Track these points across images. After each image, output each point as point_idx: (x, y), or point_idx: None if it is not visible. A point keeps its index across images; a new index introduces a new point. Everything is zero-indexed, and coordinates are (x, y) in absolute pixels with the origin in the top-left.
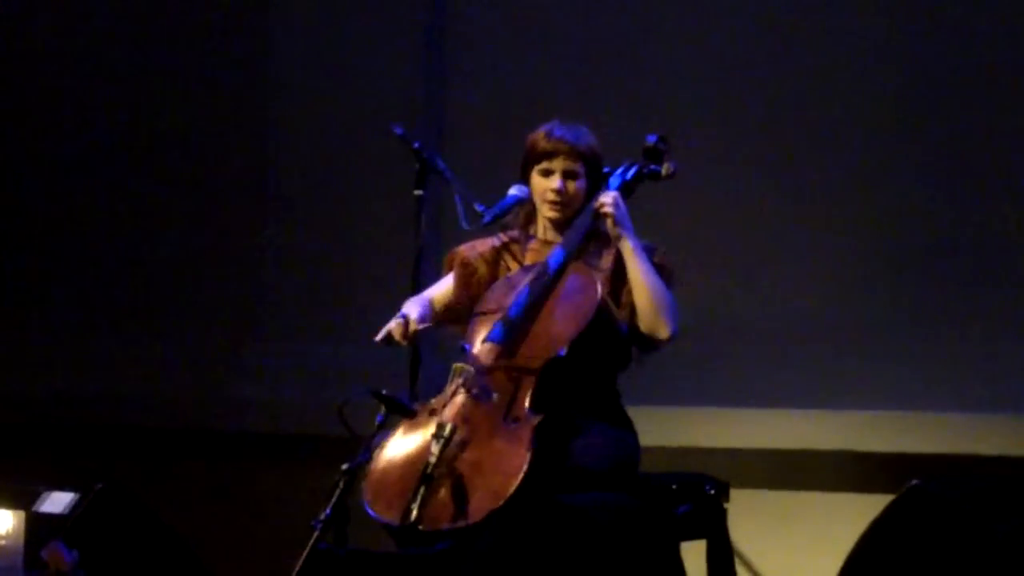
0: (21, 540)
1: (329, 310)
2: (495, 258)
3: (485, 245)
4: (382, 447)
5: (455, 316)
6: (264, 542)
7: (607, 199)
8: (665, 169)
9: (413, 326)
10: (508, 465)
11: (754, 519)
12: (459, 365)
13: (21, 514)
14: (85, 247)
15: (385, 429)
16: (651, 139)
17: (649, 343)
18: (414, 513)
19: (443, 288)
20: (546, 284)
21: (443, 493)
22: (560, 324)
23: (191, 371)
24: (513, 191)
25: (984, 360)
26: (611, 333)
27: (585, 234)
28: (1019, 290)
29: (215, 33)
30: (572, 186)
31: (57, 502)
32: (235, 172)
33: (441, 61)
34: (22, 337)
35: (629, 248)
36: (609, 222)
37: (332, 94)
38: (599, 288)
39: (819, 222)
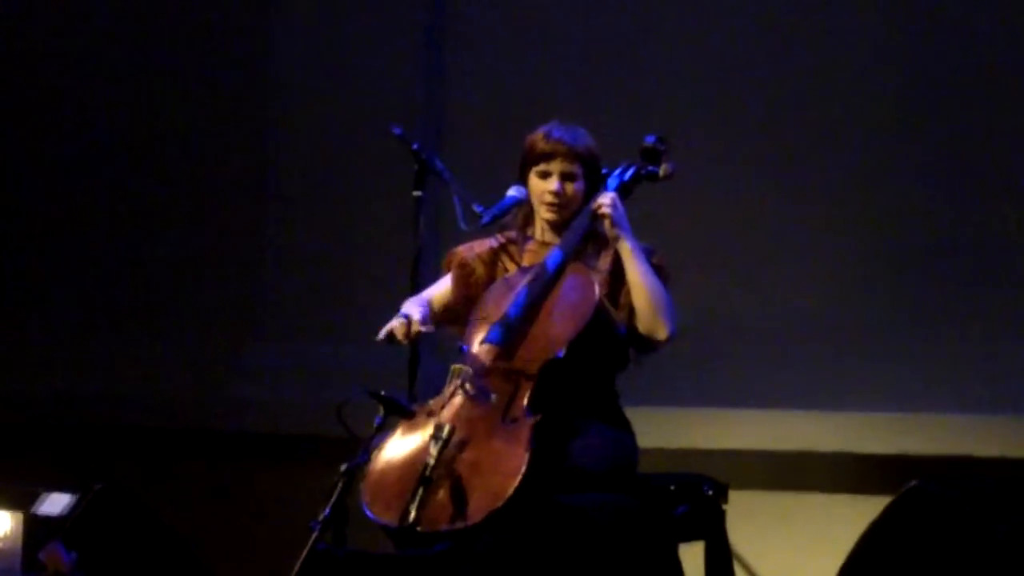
0: (19, 542)
1: (329, 310)
2: (493, 259)
3: (483, 246)
4: (380, 448)
5: (453, 317)
6: (264, 542)
7: (605, 200)
8: (663, 170)
9: (416, 327)
10: (506, 466)
11: (753, 520)
12: (457, 366)
13: (19, 515)
14: (85, 247)
15: (384, 430)
16: (649, 140)
17: (647, 344)
18: (412, 514)
19: (441, 289)
20: (544, 285)
21: (441, 494)
22: (558, 325)
23: (191, 371)
24: (511, 192)
25: (984, 360)
26: (609, 334)
27: (583, 235)
28: (1019, 290)
29: (215, 33)
30: (570, 188)
31: (55, 503)
32: (235, 172)
33: (441, 61)
34: (22, 337)
35: (627, 249)
36: (607, 223)
37: (332, 94)
38: (597, 289)
39: (819, 222)
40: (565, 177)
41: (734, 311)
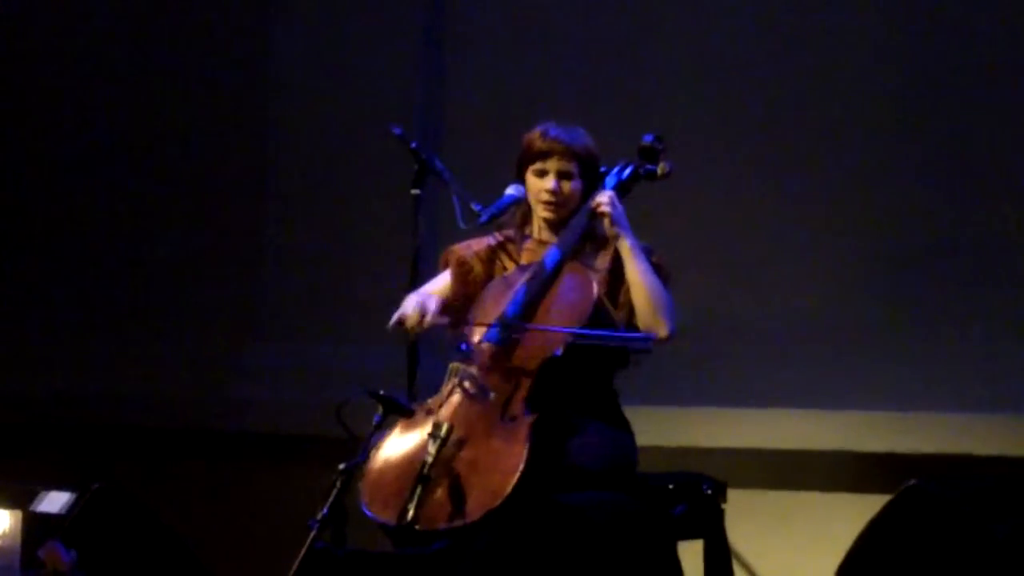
0: (18, 540)
1: (329, 310)
2: (491, 257)
3: (481, 244)
4: (379, 447)
5: (451, 314)
6: (263, 542)
7: (603, 199)
8: (661, 169)
9: (429, 318)
10: (505, 464)
11: (752, 519)
12: (456, 364)
13: (18, 513)
14: (85, 247)
15: (382, 429)
16: (647, 138)
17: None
18: (411, 513)
19: (440, 285)
20: (542, 284)
21: (440, 493)
22: (556, 324)
23: (191, 371)
24: (510, 191)
25: (984, 360)
26: None
27: (581, 234)
28: (1019, 290)
29: (215, 33)
30: (567, 186)
31: (55, 502)
32: (235, 172)
33: (441, 61)
34: (22, 337)
35: (627, 247)
36: (606, 222)
37: (332, 94)
38: (595, 288)
39: (819, 222)
40: (562, 175)
41: (734, 311)
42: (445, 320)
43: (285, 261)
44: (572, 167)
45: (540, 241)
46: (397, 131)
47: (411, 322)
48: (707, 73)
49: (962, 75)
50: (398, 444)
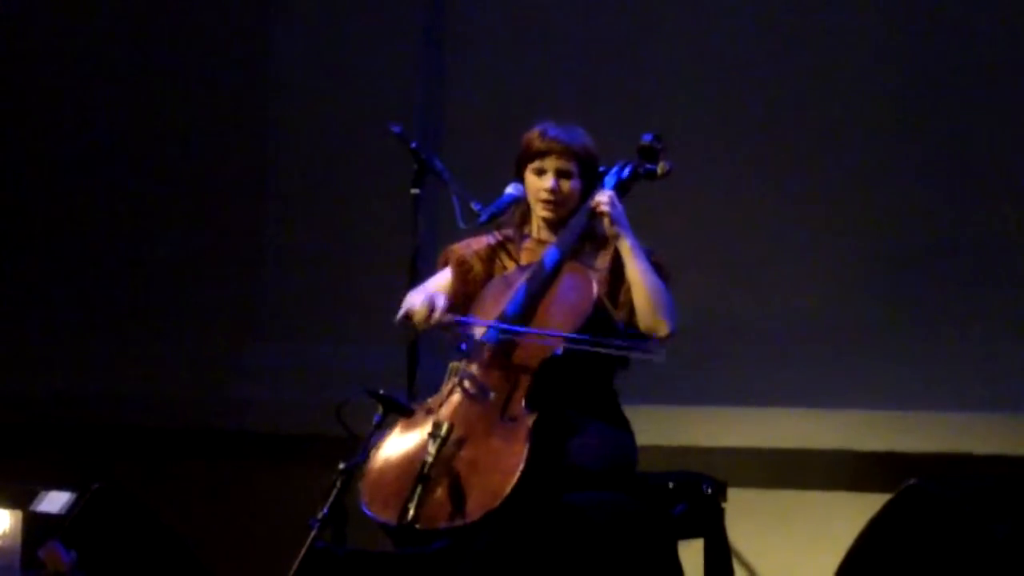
0: (18, 540)
1: (329, 310)
2: (491, 256)
3: (480, 243)
4: (379, 447)
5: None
6: (263, 542)
7: (603, 198)
8: (660, 168)
9: (438, 315)
10: (505, 464)
11: (752, 518)
12: (456, 364)
13: (18, 513)
14: (85, 247)
15: (382, 429)
16: (646, 138)
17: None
18: (411, 512)
19: (440, 283)
20: (542, 283)
21: (440, 492)
22: (556, 323)
23: (191, 371)
24: (509, 190)
25: (984, 360)
26: (608, 332)
27: (580, 234)
28: (1019, 290)
29: (215, 33)
30: (566, 185)
31: (54, 502)
32: (235, 172)
33: (441, 61)
34: (22, 337)
35: (627, 247)
36: (606, 221)
37: (332, 94)
38: (594, 287)
39: (819, 222)
40: (561, 174)
41: (734, 311)
42: (452, 318)
43: (285, 261)
44: (571, 166)
45: (539, 240)
46: (396, 130)
47: (419, 317)
48: (707, 73)
49: (962, 75)
50: (398, 444)
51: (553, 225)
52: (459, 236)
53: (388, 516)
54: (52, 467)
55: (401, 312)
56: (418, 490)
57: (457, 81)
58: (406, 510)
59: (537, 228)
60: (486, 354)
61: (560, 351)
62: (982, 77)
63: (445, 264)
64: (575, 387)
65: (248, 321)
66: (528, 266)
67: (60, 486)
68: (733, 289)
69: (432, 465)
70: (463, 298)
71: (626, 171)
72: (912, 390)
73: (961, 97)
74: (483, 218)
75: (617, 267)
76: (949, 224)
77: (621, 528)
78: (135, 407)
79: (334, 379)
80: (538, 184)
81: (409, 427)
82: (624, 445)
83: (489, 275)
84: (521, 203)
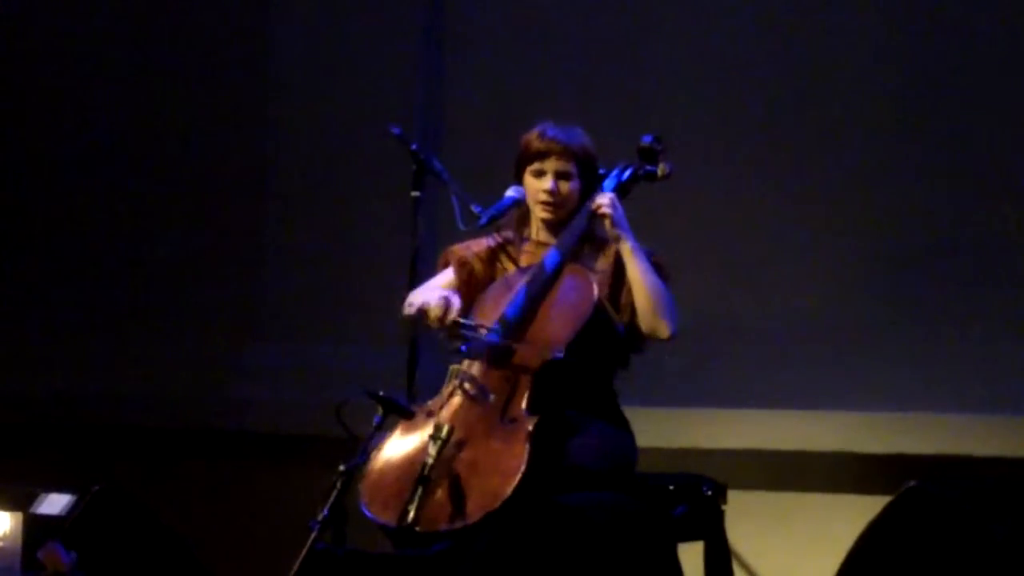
0: (19, 542)
1: (329, 310)
2: (491, 258)
3: (480, 245)
4: (379, 448)
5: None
6: (263, 542)
7: (604, 200)
8: (661, 170)
9: (453, 315)
10: (505, 465)
11: (752, 520)
12: (456, 366)
13: (19, 515)
14: (85, 247)
15: (382, 430)
16: (646, 139)
17: (647, 343)
18: (411, 514)
19: (443, 284)
20: (542, 286)
21: (440, 494)
22: (557, 325)
23: (191, 371)
24: (510, 192)
25: (984, 360)
26: (608, 334)
27: (580, 236)
28: (1019, 290)
29: (215, 33)
30: (565, 187)
31: (55, 503)
32: (235, 172)
33: (441, 61)
34: (22, 337)
35: (628, 249)
36: (607, 223)
37: (332, 94)
38: (595, 289)
39: (819, 222)
40: (560, 176)
41: (734, 311)
42: (463, 320)
43: (285, 261)
44: (570, 167)
45: (539, 243)
46: (396, 131)
47: (434, 315)
48: (707, 73)
49: (962, 75)
50: (399, 445)
51: (553, 227)
52: (459, 238)
53: (388, 518)
54: (52, 467)
55: (415, 308)
56: (418, 492)
57: (457, 81)
58: (406, 512)
59: (536, 230)
60: (486, 356)
61: (561, 354)
62: (982, 77)
63: (445, 265)
64: (575, 389)
65: (248, 321)
66: (528, 268)
67: (60, 486)
68: (733, 289)
69: (432, 467)
70: (465, 299)
71: (626, 173)
72: (912, 391)
73: (961, 97)
74: (483, 220)
75: (618, 269)
76: (949, 224)
77: (621, 530)
78: (135, 407)
79: (334, 379)
80: (537, 185)
81: (409, 429)
82: (624, 445)
83: (490, 277)
84: (521, 205)
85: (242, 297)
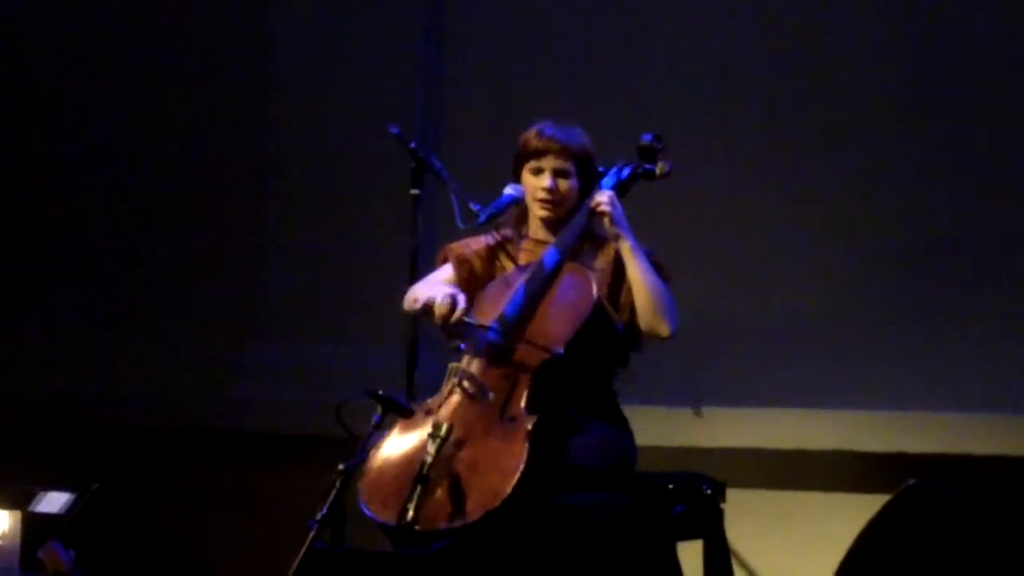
0: (18, 540)
1: (329, 310)
2: (490, 256)
3: (479, 243)
4: (378, 447)
5: None
6: (263, 542)
7: (603, 198)
8: (660, 168)
9: (459, 314)
10: (505, 464)
11: (751, 519)
12: (455, 365)
13: (18, 514)
14: (85, 247)
15: (382, 429)
16: (646, 138)
17: (647, 342)
18: (410, 513)
19: (444, 279)
20: (542, 284)
21: (439, 493)
22: (556, 324)
23: (191, 371)
24: (509, 190)
25: (984, 360)
26: (607, 333)
27: (580, 234)
28: (1019, 290)
29: (215, 33)
30: (563, 185)
31: (53, 502)
32: (235, 172)
33: (441, 61)
34: (22, 337)
35: (628, 247)
36: (607, 221)
37: (332, 94)
38: (594, 288)
39: (819, 222)
40: (558, 174)
41: (734, 311)
42: (466, 320)
43: (285, 261)
44: (568, 165)
45: (537, 241)
46: (395, 130)
47: (440, 311)
48: (707, 73)
49: (962, 75)
50: (398, 444)
51: (551, 225)
52: (458, 236)
53: (387, 516)
54: (52, 467)
55: (421, 303)
56: (417, 490)
57: (457, 81)
58: (405, 510)
59: (535, 228)
60: (486, 354)
61: (561, 351)
62: (982, 77)
63: (444, 261)
64: (575, 387)
65: (248, 321)
66: (527, 266)
67: (60, 486)
68: (733, 289)
69: (431, 465)
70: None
71: (625, 172)
72: (912, 390)
73: (961, 97)
74: (482, 219)
75: (617, 268)
76: (949, 224)
77: (620, 528)
78: (135, 407)
79: (334, 379)
80: (535, 184)
81: (408, 427)
82: (624, 445)
83: (489, 275)
84: (520, 203)
85: (242, 297)
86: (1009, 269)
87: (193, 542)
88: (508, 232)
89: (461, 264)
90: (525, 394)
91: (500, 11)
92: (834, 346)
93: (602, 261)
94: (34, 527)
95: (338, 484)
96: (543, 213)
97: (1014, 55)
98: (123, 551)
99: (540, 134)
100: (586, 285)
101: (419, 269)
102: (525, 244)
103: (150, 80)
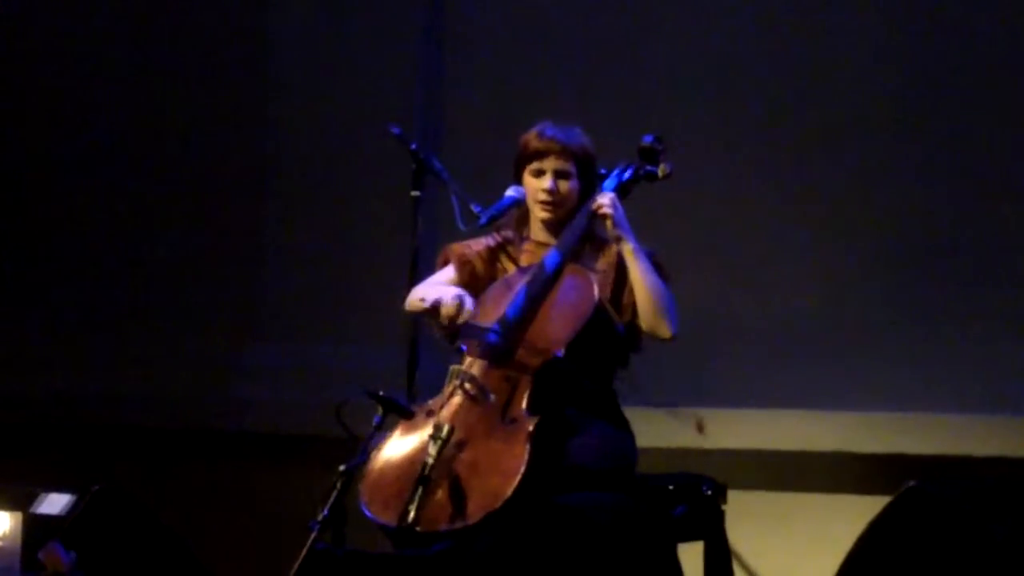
0: (19, 542)
1: (329, 310)
2: (492, 257)
3: (480, 244)
4: (379, 448)
5: None
6: (263, 542)
7: (604, 200)
8: (661, 170)
9: (465, 316)
10: (506, 466)
11: (752, 520)
12: (456, 366)
13: (19, 515)
14: (85, 247)
15: (383, 430)
16: (647, 139)
17: (648, 343)
18: (411, 514)
19: (445, 281)
20: (543, 286)
21: (440, 494)
22: (557, 325)
23: (191, 371)
24: (510, 192)
25: (984, 360)
26: (608, 334)
27: (581, 236)
28: (1019, 290)
29: (215, 33)
30: (564, 186)
31: (54, 503)
32: (235, 172)
33: (441, 61)
34: (22, 337)
35: (629, 249)
36: (608, 223)
37: (332, 94)
38: (596, 289)
39: (819, 222)
40: (559, 175)
41: (734, 311)
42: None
43: (285, 261)
44: (569, 167)
45: (539, 242)
46: (396, 131)
47: (447, 312)
48: (707, 73)
49: (962, 75)
50: (399, 445)
51: (552, 227)
52: (459, 237)
53: (388, 518)
54: (52, 468)
55: (428, 303)
56: (418, 492)
57: (457, 81)
58: (406, 512)
59: (536, 230)
60: (487, 356)
61: (562, 353)
62: (982, 77)
63: (445, 262)
64: (575, 389)
65: (248, 321)
66: (528, 268)
67: (60, 487)
68: (733, 289)
69: (433, 467)
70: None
71: (627, 173)
72: (912, 391)
73: (961, 97)
74: (483, 220)
75: (619, 269)
76: (949, 224)
77: (621, 530)
78: (135, 407)
79: (334, 379)
80: (536, 185)
81: (410, 429)
82: (625, 446)
83: (490, 277)
84: (521, 205)
85: (242, 297)
86: (1009, 269)
87: (193, 542)
88: (509, 234)
89: (463, 265)
90: (526, 396)
91: (500, 11)
92: (834, 346)
93: (603, 263)
94: (35, 528)
95: (339, 485)
96: (544, 215)
97: (1014, 55)
98: (124, 552)
99: (541, 135)
100: (587, 287)
101: (419, 270)
102: (526, 246)
103: (150, 80)
